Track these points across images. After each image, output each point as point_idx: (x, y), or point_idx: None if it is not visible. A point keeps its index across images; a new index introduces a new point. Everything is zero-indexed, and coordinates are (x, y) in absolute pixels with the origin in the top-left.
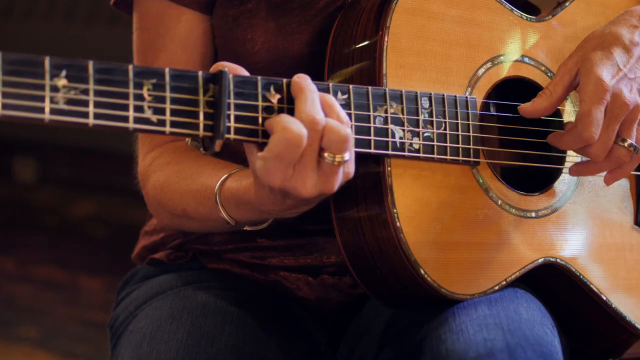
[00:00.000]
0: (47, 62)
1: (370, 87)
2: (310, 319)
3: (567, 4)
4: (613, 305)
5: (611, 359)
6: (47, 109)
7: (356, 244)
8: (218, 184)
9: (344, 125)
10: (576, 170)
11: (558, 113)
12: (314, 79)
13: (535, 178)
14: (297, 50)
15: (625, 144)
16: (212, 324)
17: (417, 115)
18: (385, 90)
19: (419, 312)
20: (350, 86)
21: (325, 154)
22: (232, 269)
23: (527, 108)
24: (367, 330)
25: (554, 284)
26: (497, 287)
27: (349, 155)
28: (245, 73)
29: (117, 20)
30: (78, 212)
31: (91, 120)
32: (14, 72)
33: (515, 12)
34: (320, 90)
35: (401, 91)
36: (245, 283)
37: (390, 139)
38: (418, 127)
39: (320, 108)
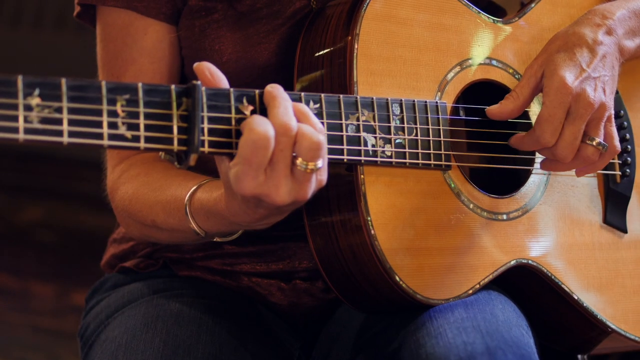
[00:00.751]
0: (19, 80)
1: (341, 96)
2: (283, 324)
3: (532, 5)
4: (584, 304)
5: (580, 354)
6: (21, 129)
7: (329, 251)
8: (188, 195)
9: (317, 132)
10: (548, 165)
11: (526, 115)
12: (283, 87)
13: (505, 180)
14: (265, 60)
15: (594, 143)
16: (187, 333)
17: (389, 122)
18: (356, 98)
19: (393, 316)
20: (322, 95)
21: (298, 161)
22: (204, 276)
23: (494, 110)
24: (340, 336)
25: (525, 284)
26: (471, 291)
27: (321, 163)
28: (225, 84)
29: (63, 27)
30: (26, 218)
31: (66, 139)
32: None
33: (483, 15)
34: (292, 99)
35: (372, 98)
36: (217, 290)
37: (362, 147)
38: (390, 133)
39: (292, 115)
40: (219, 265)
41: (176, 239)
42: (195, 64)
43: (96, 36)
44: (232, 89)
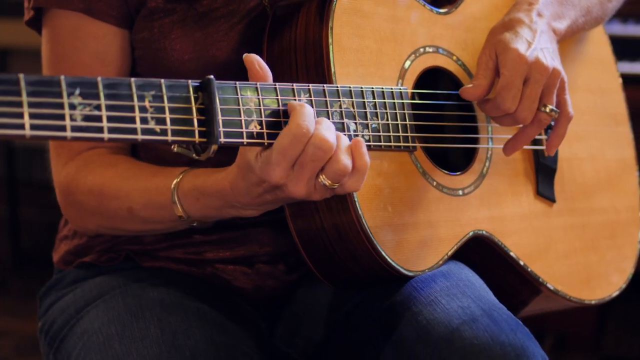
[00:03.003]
0: (62, 80)
1: (325, 85)
2: (248, 307)
3: None
4: (529, 269)
5: None
6: (68, 127)
7: (313, 233)
8: (176, 180)
9: (349, 161)
10: (510, 147)
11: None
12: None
13: (459, 158)
14: (225, 57)
15: (547, 109)
16: (178, 319)
17: (365, 109)
18: (337, 87)
19: (368, 290)
20: (310, 86)
21: (322, 177)
22: (168, 266)
23: (469, 90)
24: (307, 314)
25: (475, 253)
26: (441, 262)
27: (338, 185)
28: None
29: None
30: None
31: (106, 135)
32: (36, 92)
33: (427, 7)
34: (284, 91)
35: (350, 87)
36: (185, 278)
37: (346, 132)
38: (366, 119)
39: (335, 134)
40: (183, 255)
41: (147, 228)
42: (246, 55)
43: (42, 38)
44: (237, 82)
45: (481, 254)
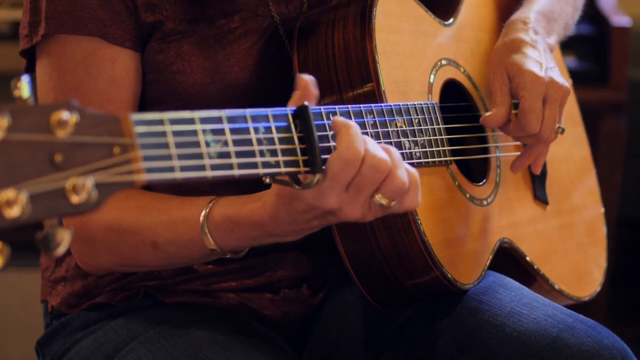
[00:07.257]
0: (196, 117)
1: (383, 105)
2: (275, 334)
3: (459, 6)
4: (541, 272)
5: None
6: (207, 166)
7: (367, 254)
8: (205, 210)
9: (406, 177)
10: (518, 165)
11: (474, 109)
12: (265, 104)
13: (474, 168)
14: (247, 78)
15: (556, 127)
16: (243, 355)
17: (413, 126)
18: (391, 106)
19: (412, 309)
20: (373, 106)
21: (377, 196)
22: (192, 300)
23: (492, 118)
24: (343, 338)
25: (493, 261)
26: (484, 273)
27: (394, 204)
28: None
29: None
30: None
31: (236, 171)
32: (177, 132)
33: (436, 20)
34: (356, 113)
35: (399, 105)
36: (215, 312)
37: (405, 151)
38: (415, 136)
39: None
40: (203, 287)
41: (171, 262)
42: (303, 76)
43: (40, 67)
44: (322, 107)
45: (498, 261)
